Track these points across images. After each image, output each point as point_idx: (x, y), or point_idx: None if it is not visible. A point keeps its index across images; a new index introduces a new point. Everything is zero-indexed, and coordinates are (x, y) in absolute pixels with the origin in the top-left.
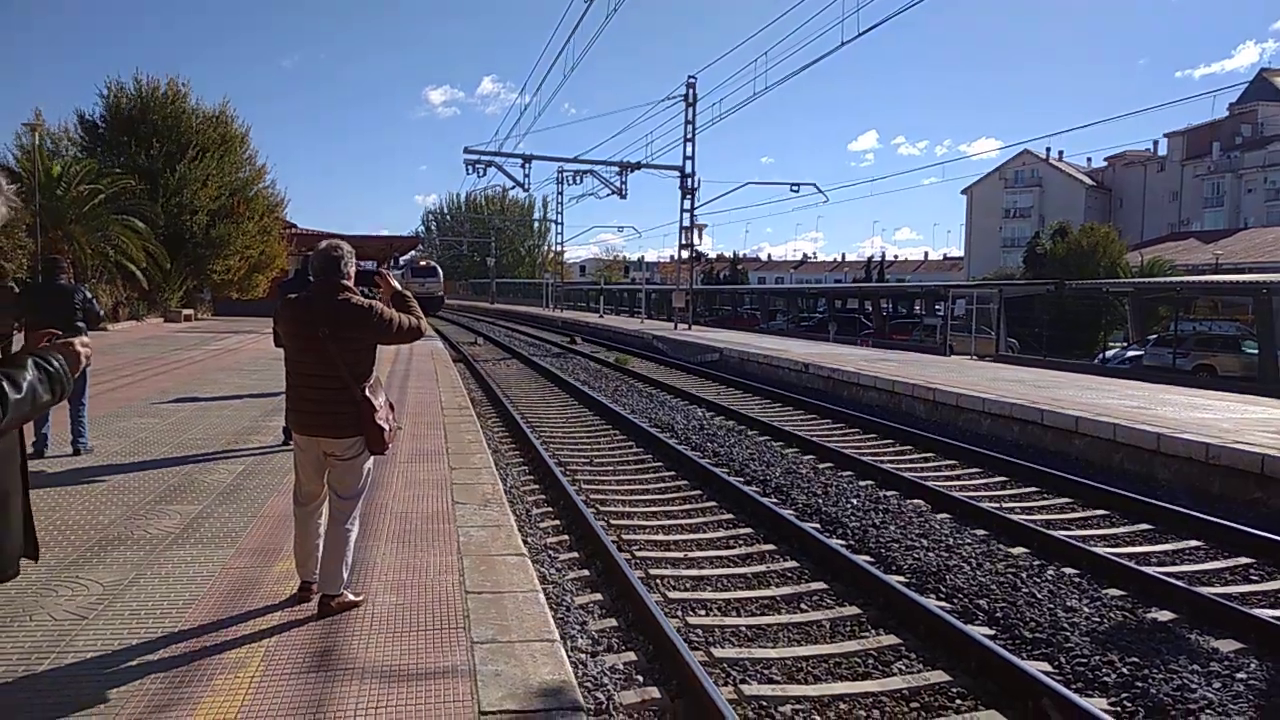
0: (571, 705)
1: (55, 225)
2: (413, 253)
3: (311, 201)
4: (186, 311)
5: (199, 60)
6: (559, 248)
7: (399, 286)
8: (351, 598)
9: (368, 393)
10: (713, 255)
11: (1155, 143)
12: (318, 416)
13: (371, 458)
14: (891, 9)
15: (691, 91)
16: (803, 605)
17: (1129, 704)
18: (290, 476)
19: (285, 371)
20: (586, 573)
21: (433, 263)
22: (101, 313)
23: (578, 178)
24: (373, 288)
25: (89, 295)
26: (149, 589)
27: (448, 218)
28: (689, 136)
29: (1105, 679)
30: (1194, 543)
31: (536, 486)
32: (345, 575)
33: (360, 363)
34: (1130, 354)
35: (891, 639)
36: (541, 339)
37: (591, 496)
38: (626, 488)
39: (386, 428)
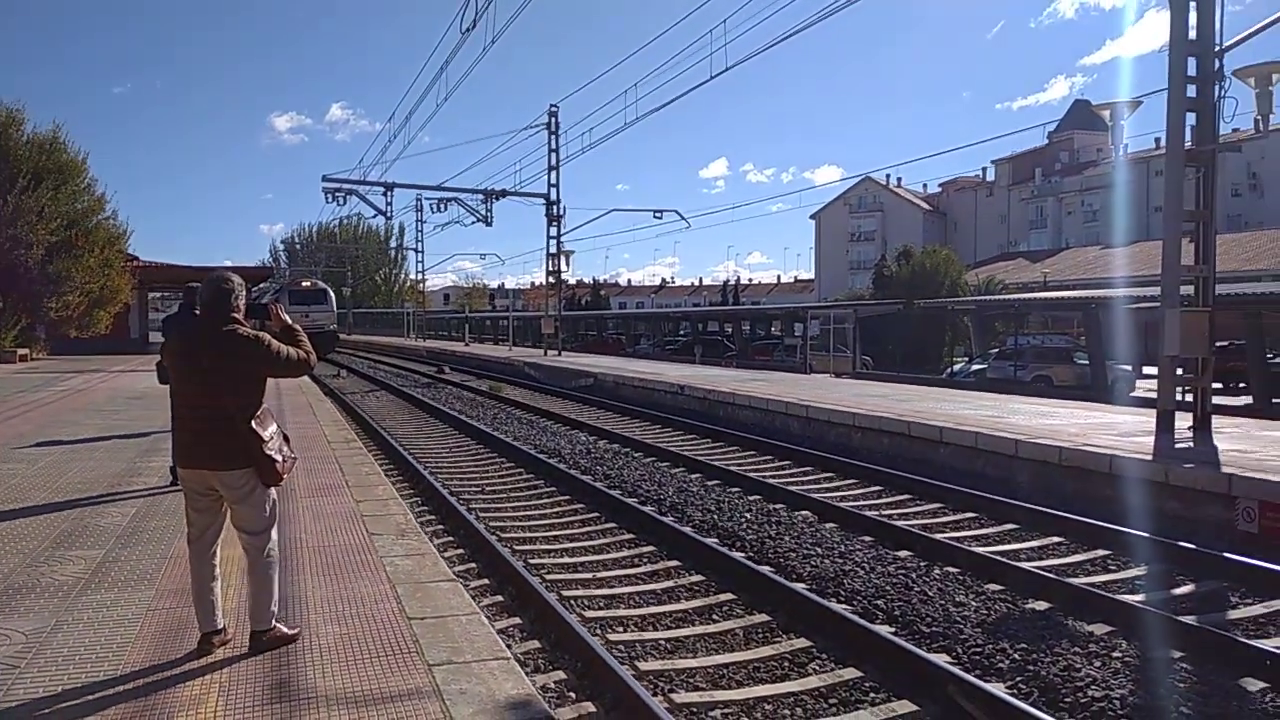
0: (542, 715)
1: None
2: (265, 284)
3: (155, 234)
4: (21, 351)
5: (19, 89)
6: (419, 276)
7: (289, 320)
8: (285, 631)
9: (254, 425)
10: (573, 281)
11: (984, 169)
12: (203, 449)
13: (272, 490)
14: (754, 45)
15: (554, 120)
16: (715, 616)
17: (1024, 685)
18: None
19: (171, 405)
20: (500, 598)
21: (320, 283)
22: None
23: (442, 205)
24: (264, 319)
25: None
26: (76, 634)
27: (299, 247)
28: (553, 165)
29: (1000, 665)
30: (1056, 539)
31: (433, 517)
32: (274, 609)
33: (247, 394)
34: (975, 368)
35: (803, 642)
36: (407, 369)
37: (491, 524)
38: (524, 513)
39: (278, 459)
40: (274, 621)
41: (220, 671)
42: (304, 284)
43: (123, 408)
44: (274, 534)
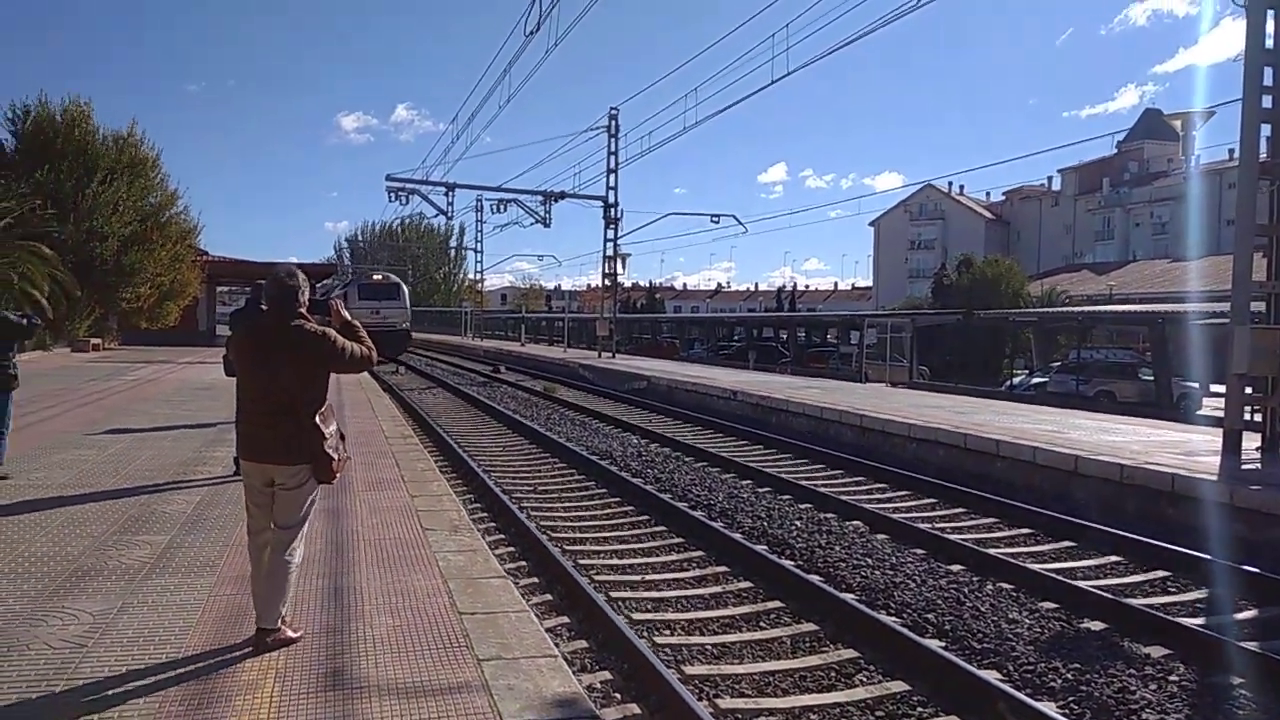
0: (588, 714)
1: None
2: (329, 280)
3: (223, 229)
4: (94, 341)
5: (97, 83)
6: (478, 276)
7: (349, 316)
8: (290, 634)
9: (318, 420)
10: (628, 284)
11: (1050, 178)
12: (267, 443)
13: (317, 488)
14: (817, 50)
15: (614, 123)
16: (762, 623)
17: (1076, 706)
18: None
19: (236, 398)
20: (549, 597)
21: (393, 277)
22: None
23: (501, 206)
24: (324, 315)
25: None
26: (140, 617)
27: (362, 244)
28: (612, 167)
29: (1052, 684)
30: (1114, 558)
31: (485, 514)
32: (282, 610)
33: (312, 390)
34: (1035, 381)
35: (850, 653)
36: (464, 368)
37: (542, 523)
38: (575, 514)
39: (335, 457)
40: (280, 623)
41: (277, 660)
42: (375, 277)
43: (190, 398)
44: (302, 537)
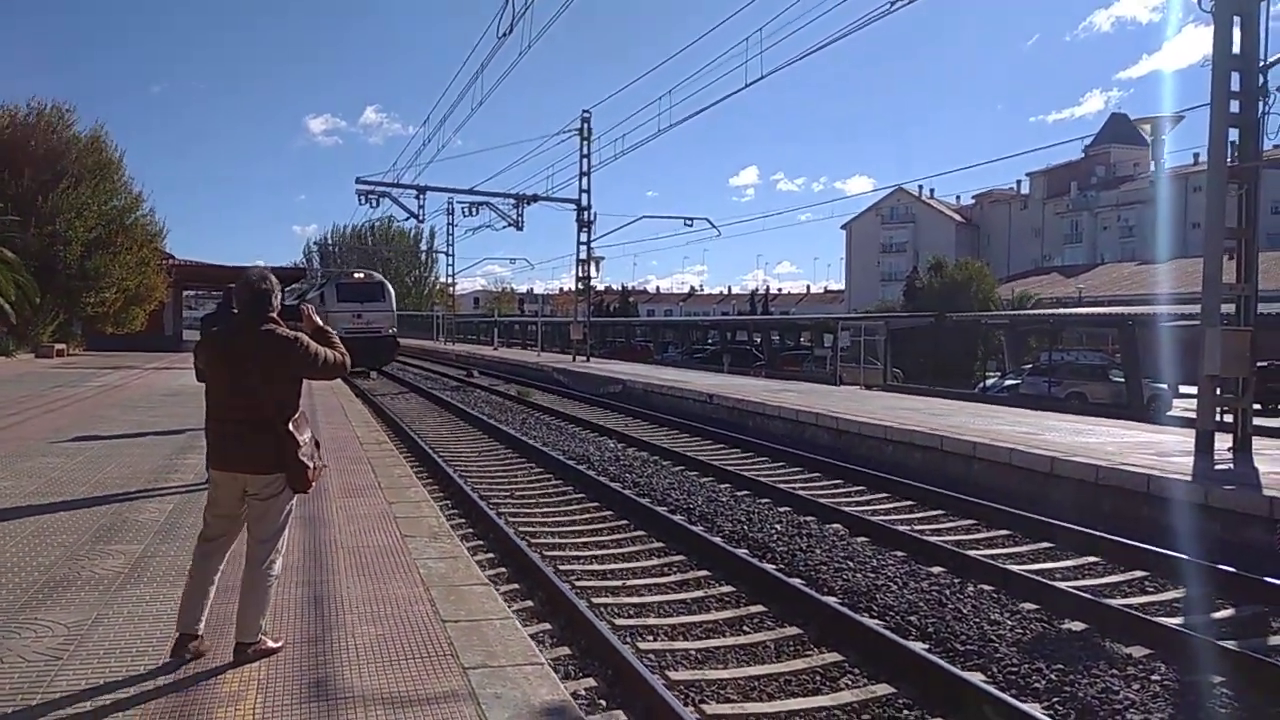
0: None
1: None
2: (296, 284)
3: (190, 233)
4: (59, 346)
5: (58, 82)
6: (450, 279)
7: (320, 321)
8: (270, 644)
9: (291, 427)
10: (601, 287)
11: (1018, 182)
12: (238, 452)
13: (293, 497)
14: (790, 54)
15: (586, 126)
16: (745, 627)
17: (1060, 707)
18: None
19: (206, 405)
20: (530, 603)
21: (376, 275)
22: None
23: (473, 209)
24: (297, 320)
25: None
26: (116, 628)
27: (331, 248)
28: (585, 170)
29: (1036, 685)
30: (1092, 559)
31: (463, 520)
32: (263, 622)
33: (284, 396)
34: (1008, 383)
35: (835, 656)
36: (437, 372)
37: (520, 529)
38: (554, 519)
39: (310, 465)
40: (260, 635)
41: (258, 668)
42: (357, 276)
43: (158, 404)
44: (281, 544)
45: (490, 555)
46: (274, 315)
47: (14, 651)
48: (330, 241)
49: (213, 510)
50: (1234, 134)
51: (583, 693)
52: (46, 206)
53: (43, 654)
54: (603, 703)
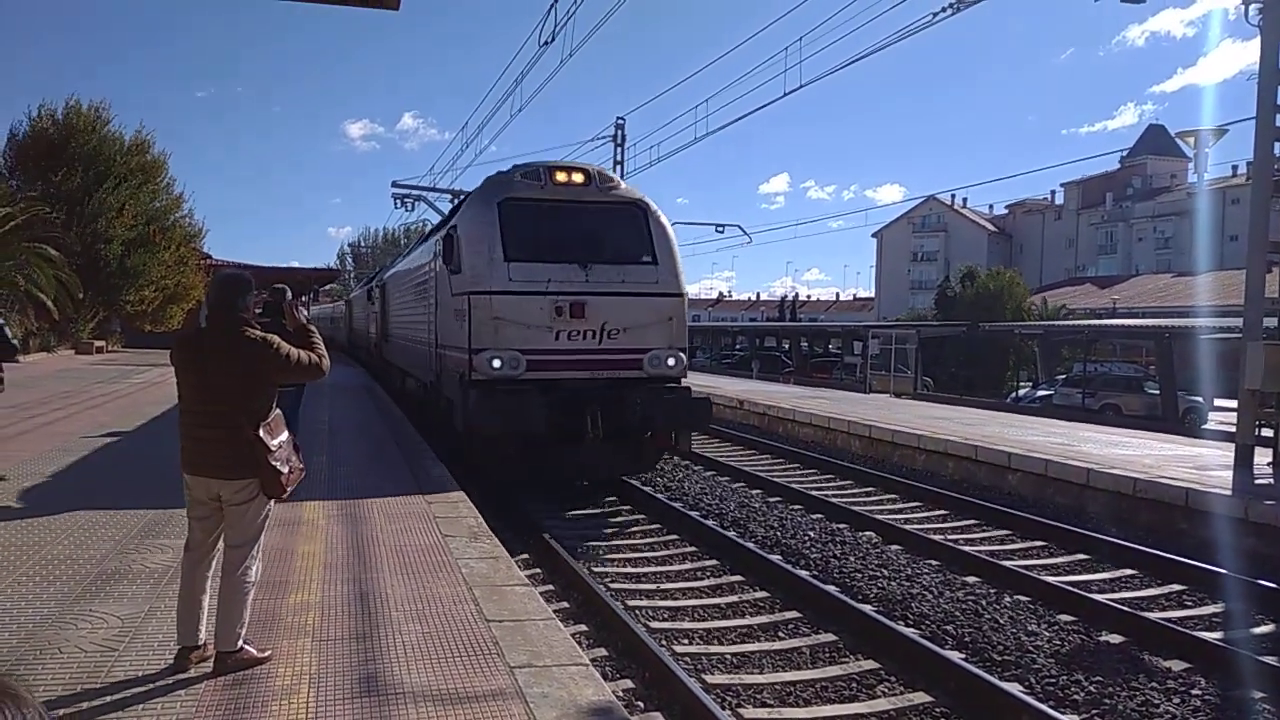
0: None
1: None
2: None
3: (228, 234)
4: (98, 343)
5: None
6: None
7: (304, 319)
8: (254, 653)
9: (262, 432)
10: None
11: (1052, 192)
12: (208, 456)
13: (269, 503)
14: (828, 65)
15: (620, 132)
16: (780, 633)
17: (1099, 719)
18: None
19: (178, 408)
20: (566, 604)
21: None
22: (15, 343)
23: None
24: (279, 316)
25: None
26: (169, 621)
27: (365, 250)
28: (619, 177)
29: (1075, 697)
30: (1129, 571)
31: (499, 522)
32: (241, 630)
33: (255, 399)
34: (1040, 393)
35: (870, 663)
36: None
37: (553, 531)
38: (584, 522)
39: (284, 470)
40: (240, 643)
41: (310, 666)
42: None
43: None
44: (256, 555)
45: (525, 556)
46: (245, 315)
47: (72, 642)
48: (364, 244)
49: (191, 513)
50: (1279, 148)
51: (620, 694)
52: (90, 206)
53: (99, 645)
54: (640, 704)
